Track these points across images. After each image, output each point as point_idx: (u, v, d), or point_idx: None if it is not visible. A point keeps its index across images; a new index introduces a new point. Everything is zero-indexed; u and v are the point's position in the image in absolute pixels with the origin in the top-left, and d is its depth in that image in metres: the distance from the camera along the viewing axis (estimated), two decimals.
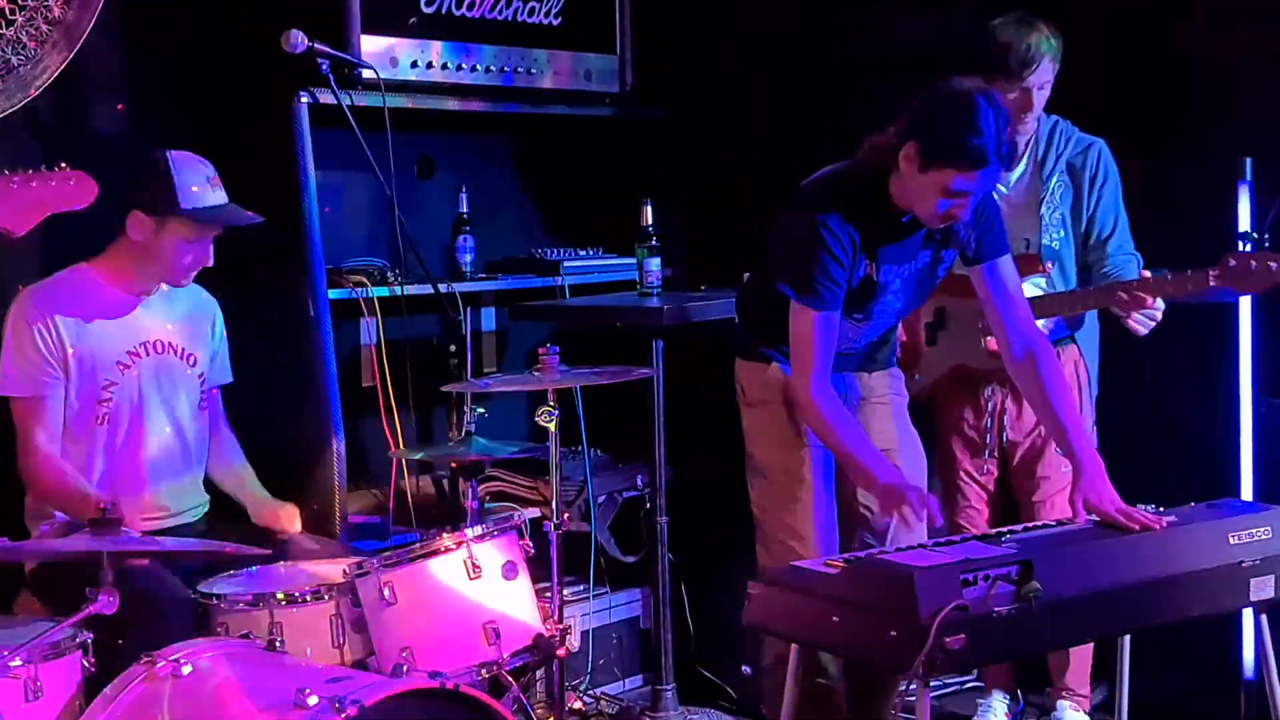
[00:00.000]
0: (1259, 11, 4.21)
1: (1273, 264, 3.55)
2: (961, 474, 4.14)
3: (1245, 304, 4.06)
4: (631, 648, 4.80)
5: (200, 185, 3.60)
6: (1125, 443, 4.05)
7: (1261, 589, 3.09)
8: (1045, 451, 4.02)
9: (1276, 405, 4.11)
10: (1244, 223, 3.96)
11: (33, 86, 3.93)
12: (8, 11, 3.89)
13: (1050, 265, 3.93)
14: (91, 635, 3.01)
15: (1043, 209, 3.97)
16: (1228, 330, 4.13)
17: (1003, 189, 3.90)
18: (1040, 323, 3.70)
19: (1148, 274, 3.78)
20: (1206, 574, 3.06)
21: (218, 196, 3.60)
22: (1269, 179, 3.99)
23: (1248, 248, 3.63)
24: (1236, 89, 4.26)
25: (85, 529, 3.06)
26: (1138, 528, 3.11)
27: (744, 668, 4.55)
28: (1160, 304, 3.74)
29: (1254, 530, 3.11)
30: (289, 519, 3.74)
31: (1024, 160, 4.00)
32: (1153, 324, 3.77)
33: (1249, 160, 3.98)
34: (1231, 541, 3.08)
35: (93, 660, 3.04)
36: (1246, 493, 4.07)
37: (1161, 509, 3.23)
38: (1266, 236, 3.76)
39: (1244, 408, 4.10)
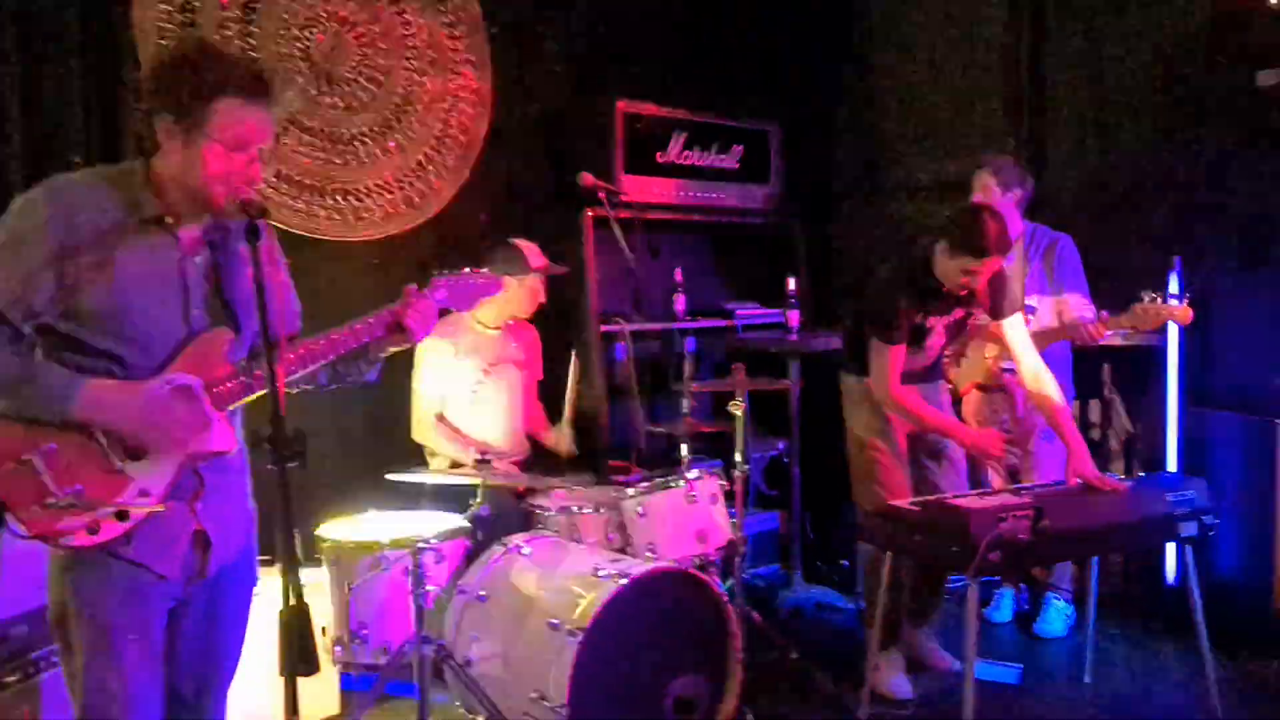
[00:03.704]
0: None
1: (1160, 309, 3.40)
2: None
3: (1173, 340, 3.91)
4: (772, 547, 4.75)
5: (534, 255, 3.64)
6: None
7: (1187, 529, 3.03)
8: (1031, 435, 3.87)
9: (1194, 412, 3.97)
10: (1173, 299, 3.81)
11: (435, 207, 4.08)
12: (423, 159, 4.07)
13: (1030, 316, 3.77)
14: (470, 527, 3.13)
15: (1025, 280, 3.83)
16: (1160, 356, 3.99)
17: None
18: None
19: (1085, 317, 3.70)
20: (1154, 518, 3.02)
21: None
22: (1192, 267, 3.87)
23: (1145, 299, 3.46)
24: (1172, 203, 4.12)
25: (468, 467, 3.17)
26: (1109, 489, 3.07)
27: (843, 562, 4.53)
28: (1109, 333, 3.62)
29: (1183, 492, 3.06)
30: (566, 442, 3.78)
31: (1016, 249, 3.83)
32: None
33: (1178, 258, 3.85)
34: (1169, 499, 3.03)
35: (470, 543, 3.15)
36: (1172, 467, 3.95)
37: (1123, 477, 3.17)
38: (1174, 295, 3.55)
39: (1170, 412, 3.98)
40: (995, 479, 3.80)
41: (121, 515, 1.86)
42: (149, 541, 1.92)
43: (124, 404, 1.86)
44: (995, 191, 3.79)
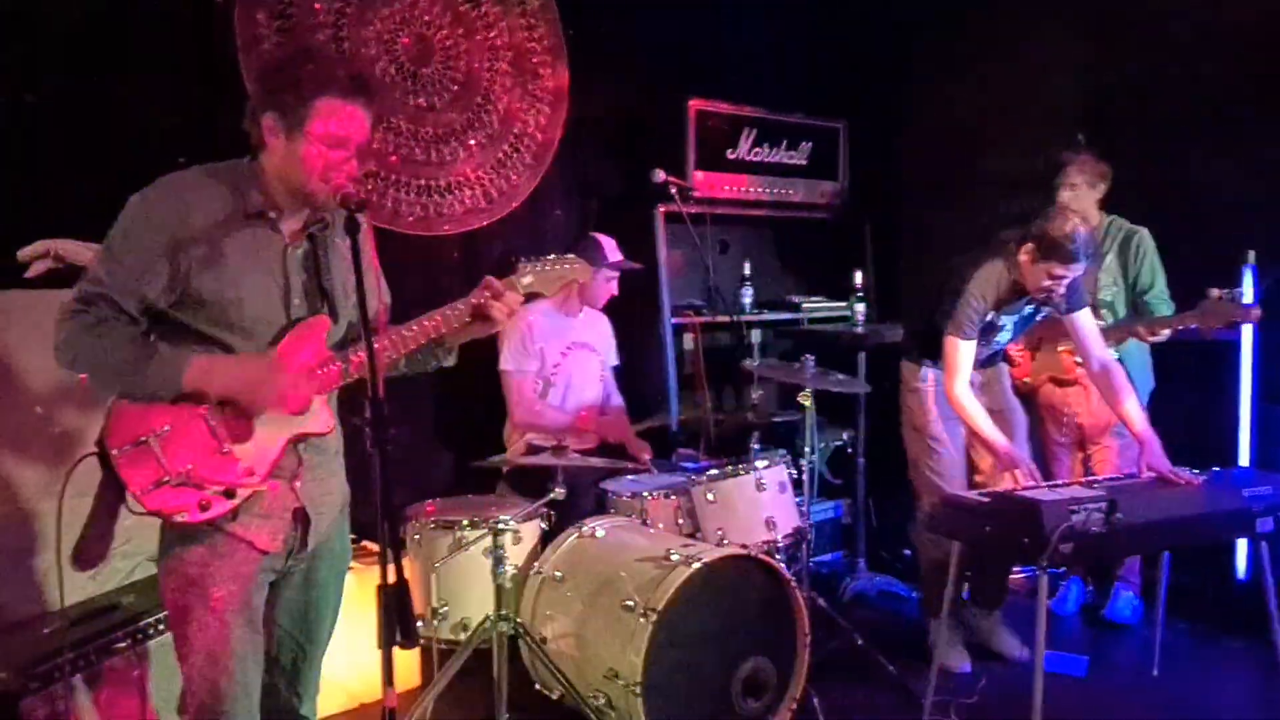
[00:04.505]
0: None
1: (1229, 304, 3.27)
2: (1051, 440, 3.96)
3: (1247, 333, 3.75)
4: (836, 535, 4.73)
5: (611, 250, 3.65)
6: (1171, 430, 3.83)
7: (1263, 525, 2.91)
8: (1105, 430, 3.80)
9: (1268, 408, 3.82)
10: (1248, 296, 3.65)
11: (513, 203, 4.08)
12: (502, 156, 4.08)
13: (1103, 312, 3.70)
14: (546, 510, 3.15)
15: (1100, 273, 3.73)
16: (1233, 351, 3.83)
17: None
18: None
19: (1163, 315, 3.57)
20: (1229, 514, 2.90)
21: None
22: (1267, 263, 3.71)
23: (1214, 295, 3.33)
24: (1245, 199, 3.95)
25: (546, 451, 3.16)
26: (1183, 482, 2.97)
27: (905, 551, 4.46)
28: (1165, 333, 3.51)
29: (1259, 488, 2.94)
30: (646, 450, 3.71)
31: None
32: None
33: (1253, 254, 3.70)
34: (1244, 494, 2.92)
35: (547, 525, 3.17)
36: (1245, 462, 3.78)
37: (1197, 471, 3.07)
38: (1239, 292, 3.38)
39: (1243, 407, 3.83)
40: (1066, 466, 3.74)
41: (229, 493, 1.90)
42: (253, 518, 1.97)
43: (229, 369, 1.91)
44: (1083, 188, 3.70)
